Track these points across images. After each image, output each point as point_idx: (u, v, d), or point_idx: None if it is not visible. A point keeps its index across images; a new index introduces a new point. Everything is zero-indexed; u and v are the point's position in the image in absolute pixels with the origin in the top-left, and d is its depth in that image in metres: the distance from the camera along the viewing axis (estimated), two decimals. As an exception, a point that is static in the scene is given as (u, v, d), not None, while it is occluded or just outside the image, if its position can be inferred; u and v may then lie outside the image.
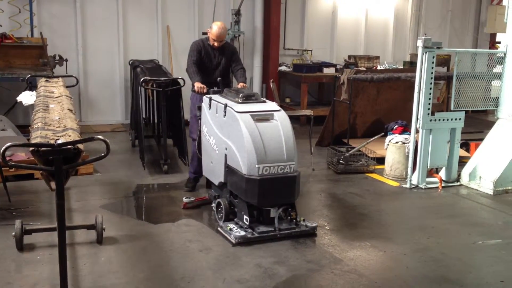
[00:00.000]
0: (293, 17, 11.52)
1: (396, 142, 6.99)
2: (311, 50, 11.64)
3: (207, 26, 10.59)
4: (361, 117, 8.51)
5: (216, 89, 5.67)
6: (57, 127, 3.39)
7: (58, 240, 3.13)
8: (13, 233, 4.54)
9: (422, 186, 6.63)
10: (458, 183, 6.80)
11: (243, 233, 4.83)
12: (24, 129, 7.93)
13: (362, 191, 6.51)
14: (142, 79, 6.91)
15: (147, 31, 10.40)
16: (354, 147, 7.55)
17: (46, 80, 5.83)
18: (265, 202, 4.84)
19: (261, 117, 4.91)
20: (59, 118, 3.71)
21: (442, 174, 6.83)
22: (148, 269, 4.33)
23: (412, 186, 6.64)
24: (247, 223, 4.90)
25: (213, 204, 5.52)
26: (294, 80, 11.22)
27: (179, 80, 7.13)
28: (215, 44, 5.98)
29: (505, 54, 6.79)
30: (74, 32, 9.73)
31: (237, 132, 4.84)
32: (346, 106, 8.15)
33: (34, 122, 3.66)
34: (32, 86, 7.17)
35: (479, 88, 7.03)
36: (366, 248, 4.76)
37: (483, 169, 6.65)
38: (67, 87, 5.80)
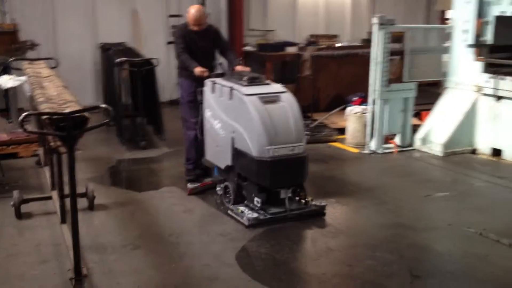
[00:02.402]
0: (255, -3, 12.00)
1: (356, 113, 7.63)
2: (274, 31, 12.15)
3: (173, 8, 11.07)
4: (324, 91, 9.12)
5: (217, 72, 5.67)
6: (59, 101, 3.84)
7: (70, 200, 3.55)
8: (12, 203, 4.96)
9: (380, 151, 7.30)
10: (412, 148, 7.50)
11: (255, 214, 4.85)
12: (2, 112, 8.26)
13: (326, 158, 7.13)
14: (117, 60, 7.30)
15: (116, 14, 10.69)
16: (317, 119, 8.15)
17: (29, 63, 6.18)
18: (276, 183, 4.87)
19: (269, 99, 4.90)
20: (57, 94, 4.15)
21: (397, 140, 7.52)
22: (139, 228, 4.84)
23: (370, 152, 7.30)
24: (259, 205, 4.90)
25: (218, 188, 5.45)
26: (259, 60, 11.68)
27: (153, 60, 7.55)
28: (196, 28, 5.81)
29: (452, 29, 7.47)
30: (45, 17, 9.96)
31: (246, 115, 4.83)
32: (310, 82, 8.75)
33: (36, 97, 4.08)
34: (9, 69, 7.48)
35: (430, 61, 7.72)
36: (332, 203, 5.35)
37: (434, 134, 7.36)
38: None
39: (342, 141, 7.85)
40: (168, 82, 10.18)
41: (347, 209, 5.30)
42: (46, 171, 5.76)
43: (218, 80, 5.35)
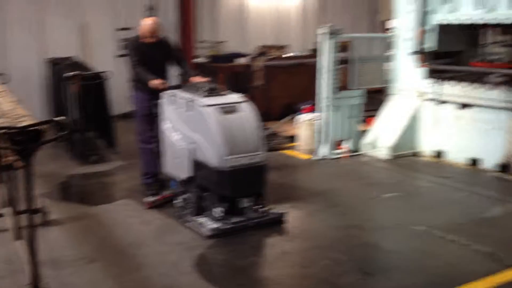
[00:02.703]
0: (206, 10, 12.08)
1: (306, 120, 7.84)
2: (225, 42, 12.30)
3: (123, 22, 11.05)
4: (275, 100, 9.33)
5: (175, 84, 5.68)
6: (13, 115, 3.82)
7: (27, 215, 3.57)
8: (-38, 222, 4.85)
9: (330, 156, 7.52)
10: (360, 152, 7.77)
11: (217, 225, 4.86)
12: None
13: (279, 165, 7.28)
14: (68, 74, 7.26)
15: (65, 28, 10.56)
16: (269, 128, 8.32)
17: (-23, 79, 6.07)
18: (237, 192, 4.92)
19: (228, 109, 4.93)
20: (11, 109, 4.12)
21: (347, 145, 7.77)
22: (94, 242, 4.84)
23: (321, 158, 7.52)
24: (219, 215, 4.92)
25: (177, 200, 5.44)
26: (211, 71, 11.80)
27: (104, 73, 7.54)
28: (149, 40, 5.79)
29: (395, 38, 7.81)
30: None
31: (205, 126, 4.86)
32: (262, 92, 8.93)
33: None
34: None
35: (376, 69, 8.04)
36: (287, 208, 5.48)
37: (381, 138, 7.65)
38: None
39: (293, 148, 8.04)
40: (118, 95, 10.14)
41: (301, 213, 5.46)
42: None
43: (176, 92, 5.37)
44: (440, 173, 6.80)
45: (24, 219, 4.39)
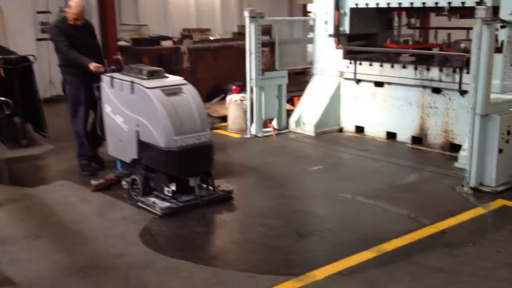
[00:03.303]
0: (126, -7, 12.06)
1: (235, 100, 8.17)
2: (147, 25, 12.30)
3: (41, 5, 10.78)
4: (203, 82, 9.53)
5: (114, 67, 5.72)
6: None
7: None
8: None
9: (260, 134, 7.90)
10: (288, 130, 8.21)
11: (168, 204, 4.94)
12: None
13: (211, 144, 7.56)
14: (-8, 58, 7.10)
15: (-21, 11, 10.20)
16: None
17: None
18: (186, 172, 5.00)
19: (171, 91, 4.99)
20: None
21: (275, 124, 8.18)
22: (37, 220, 4.92)
23: (251, 136, 7.88)
24: (170, 194, 5.00)
25: (124, 182, 5.50)
26: (134, 54, 11.79)
27: (29, 57, 7.43)
28: (76, 22, 5.88)
29: (314, 21, 8.28)
30: None
31: (150, 108, 4.89)
32: (189, 74, 9.12)
33: None
34: None
35: (298, 51, 8.48)
36: (223, 183, 5.74)
37: (306, 116, 8.13)
38: None
39: (224, 128, 8.34)
40: (41, 79, 9.95)
41: (236, 187, 5.76)
42: None
43: (116, 74, 5.40)
44: (361, 146, 7.36)
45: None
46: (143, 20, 12.38)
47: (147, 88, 4.94)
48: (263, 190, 5.75)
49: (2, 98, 3.78)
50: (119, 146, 5.44)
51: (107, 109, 5.50)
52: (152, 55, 11.74)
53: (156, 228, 4.73)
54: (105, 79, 5.48)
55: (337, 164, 6.69)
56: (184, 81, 5.26)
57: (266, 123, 8.17)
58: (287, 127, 8.25)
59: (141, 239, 4.49)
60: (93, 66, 5.68)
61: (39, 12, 10.93)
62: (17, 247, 4.34)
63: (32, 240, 4.47)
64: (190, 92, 5.14)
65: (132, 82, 5.08)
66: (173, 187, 4.99)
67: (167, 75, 5.33)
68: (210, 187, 5.24)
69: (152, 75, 5.14)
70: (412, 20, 8.41)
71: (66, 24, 5.93)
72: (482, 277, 3.86)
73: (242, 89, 8.37)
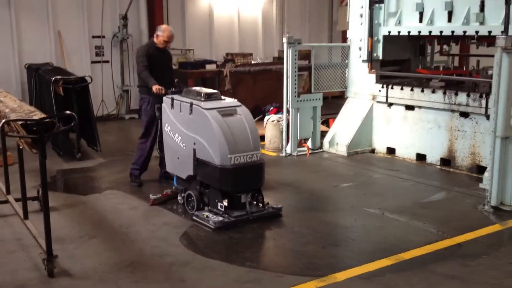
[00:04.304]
0: (174, 19, 12.82)
1: (272, 121, 8.68)
2: (193, 50, 13.05)
3: (96, 29, 11.68)
4: (243, 103, 9.86)
5: (174, 89, 6.05)
6: (24, 111, 4.48)
7: (42, 191, 4.23)
8: (-31, 208, 5.44)
9: (295, 153, 8.37)
10: (321, 150, 8.65)
11: (220, 218, 5.24)
12: None
13: (248, 161, 8.07)
14: (54, 78, 7.86)
15: (40, 36, 11.16)
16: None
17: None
18: (238, 188, 5.32)
19: (227, 112, 5.33)
20: (18, 106, 4.79)
21: (309, 143, 8.64)
22: (90, 224, 5.51)
23: (287, 155, 8.36)
24: (222, 209, 5.32)
25: (179, 197, 5.88)
26: (181, 77, 12.49)
27: (86, 77, 8.18)
28: (163, 45, 6.50)
29: (349, 47, 8.75)
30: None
31: (207, 127, 5.22)
32: (230, 96, 9.65)
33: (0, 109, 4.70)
34: None
35: (334, 75, 8.95)
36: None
37: (339, 137, 8.56)
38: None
39: (262, 147, 8.82)
40: (94, 99, 10.74)
41: (271, 199, 6.21)
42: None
43: (175, 96, 5.78)
44: (391, 166, 7.72)
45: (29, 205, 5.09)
46: (190, 45, 13.14)
47: (204, 109, 5.31)
48: (295, 203, 6.19)
49: (68, 112, 4.38)
50: (177, 163, 5.82)
51: (166, 128, 5.91)
52: (197, 78, 12.42)
53: (195, 233, 5.23)
54: (166, 100, 5.90)
55: (367, 182, 7.06)
56: (239, 103, 5.60)
57: (301, 143, 8.63)
58: (321, 147, 8.69)
59: (181, 242, 5.01)
60: (155, 88, 6.17)
61: (94, 37, 11.84)
62: (74, 245, 4.93)
63: (87, 240, 5.06)
64: (244, 114, 5.48)
65: (191, 104, 5.46)
66: (225, 203, 5.32)
67: (223, 97, 5.70)
68: (260, 204, 5.56)
69: (209, 97, 5.50)
70: (446, 47, 8.78)
71: (152, 48, 6.56)
72: (492, 285, 4.18)
73: (279, 110, 8.88)
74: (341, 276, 4.30)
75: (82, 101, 8.21)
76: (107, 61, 12.01)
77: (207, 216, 5.32)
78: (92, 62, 11.88)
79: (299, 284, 4.16)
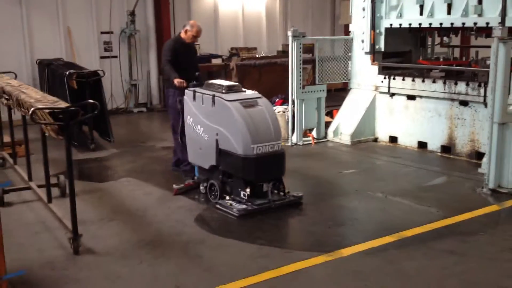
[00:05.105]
0: (180, 15, 13.11)
1: (278, 112, 8.97)
2: (199, 44, 13.29)
3: (104, 25, 11.98)
4: (248, 96, 10.41)
5: (195, 82, 6.14)
6: (48, 101, 4.79)
7: (68, 175, 4.55)
8: (-5, 194, 5.76)
9: (300, 143, 8.67)
10: (326, 139, 8.95)
11: (244, 206, 5.38)
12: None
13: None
14: (67, 72, 8.17)
15: (50, 32, 11.47)
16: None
17: (-7, 76, 6.95)
18: (261, 177, 5.45)
19: (248, 104, 5.44)
20: (41, 96, 5.09)
21: (314, 133, 8.94)
22: (109, 208, 5.83)
23: (292, 144, 8.66)
24: (245, 198, 5.45)
25: (201, 187, 6.02)
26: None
27: (99, 71, 8.49)
28: (191, 40, 6.61)
29: (352, 40, 9.03)
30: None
31: (230, 118, 5.34)
32: (236, 88, 9.99)
33: (24, 100, 4.98)
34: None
35: (337, 67, 9.24)
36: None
37: (343, 127, 8.85)
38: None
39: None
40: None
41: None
42: (18, 169, 6.57)
43: (197, 89, 5.90)
44: (393, 154, 8.02)
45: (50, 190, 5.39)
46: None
47: (227, 100, 5.46)
48: (302, 188, 6.46)
49: (91, 101, 4.68)
50: (199, 154, 5.97)
51: (188, 120, 6.03)
52: (203, 71, 12.67)
53: (209, 215, 5.54)
54: (188, 93, 6.02)
55: (370, 169, 7.36)
56: (259, 95, 5.72)
57: (306, 133, 8.93)
58: (325, 137, 8.99)
59: (196, 223, 5.32)
60: (176, 81, 6.25)
61: (102, 33, 12.14)
62: (95, 226, 5.24)
63: (107, 222, 5.38)
64: (265, 105, 5.64)
65: (214, 96, 5.60)
66: (248, 191, 5.45)
67: (243, 89, 5.83)
68: (281, 193, 5.72)
69: (230, 89, 5.64)
70: (446, 39, 9.05)
71: (178, 43, 6.66)
72: (488, 258, 4.48)
73: (284, 101, 9.18)
74: (347, 251, 4.61)
75: (95, 94, 8.50)
76: (116, 56, 12.31)
77: (230, 204, 5.48)
78: (101, 57, 12.19)
79: (308, 258, 4.46)
